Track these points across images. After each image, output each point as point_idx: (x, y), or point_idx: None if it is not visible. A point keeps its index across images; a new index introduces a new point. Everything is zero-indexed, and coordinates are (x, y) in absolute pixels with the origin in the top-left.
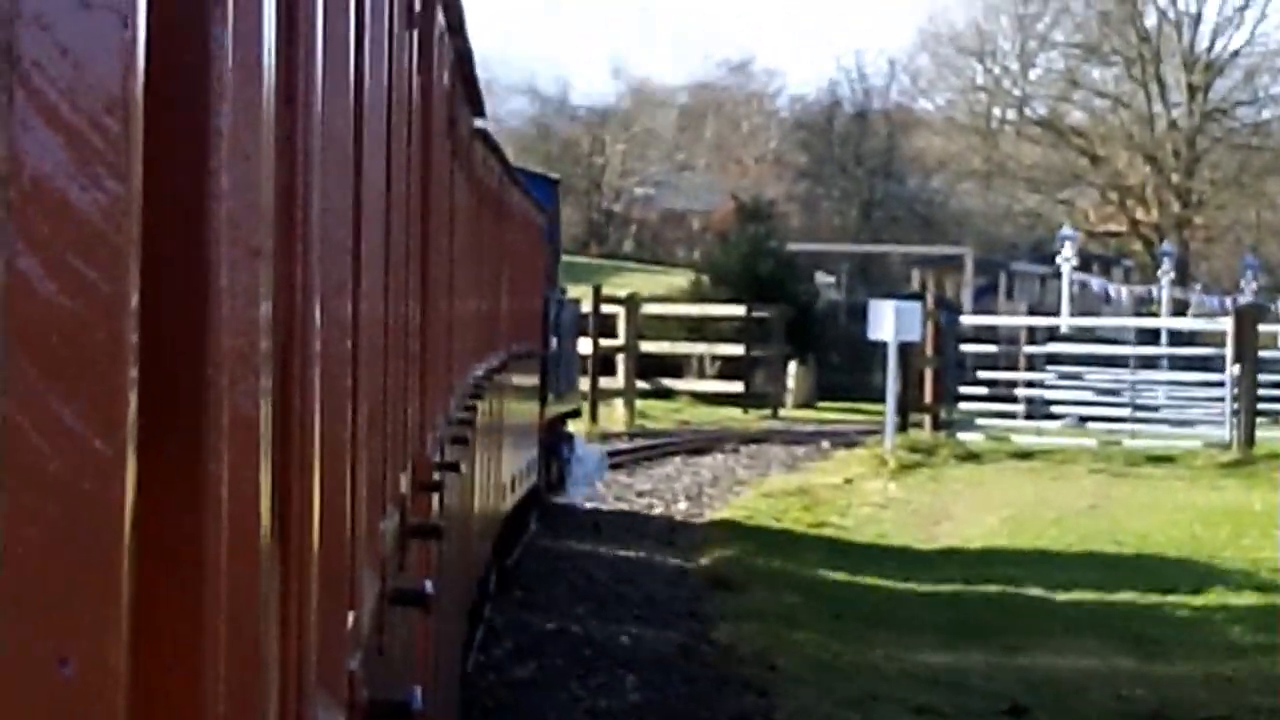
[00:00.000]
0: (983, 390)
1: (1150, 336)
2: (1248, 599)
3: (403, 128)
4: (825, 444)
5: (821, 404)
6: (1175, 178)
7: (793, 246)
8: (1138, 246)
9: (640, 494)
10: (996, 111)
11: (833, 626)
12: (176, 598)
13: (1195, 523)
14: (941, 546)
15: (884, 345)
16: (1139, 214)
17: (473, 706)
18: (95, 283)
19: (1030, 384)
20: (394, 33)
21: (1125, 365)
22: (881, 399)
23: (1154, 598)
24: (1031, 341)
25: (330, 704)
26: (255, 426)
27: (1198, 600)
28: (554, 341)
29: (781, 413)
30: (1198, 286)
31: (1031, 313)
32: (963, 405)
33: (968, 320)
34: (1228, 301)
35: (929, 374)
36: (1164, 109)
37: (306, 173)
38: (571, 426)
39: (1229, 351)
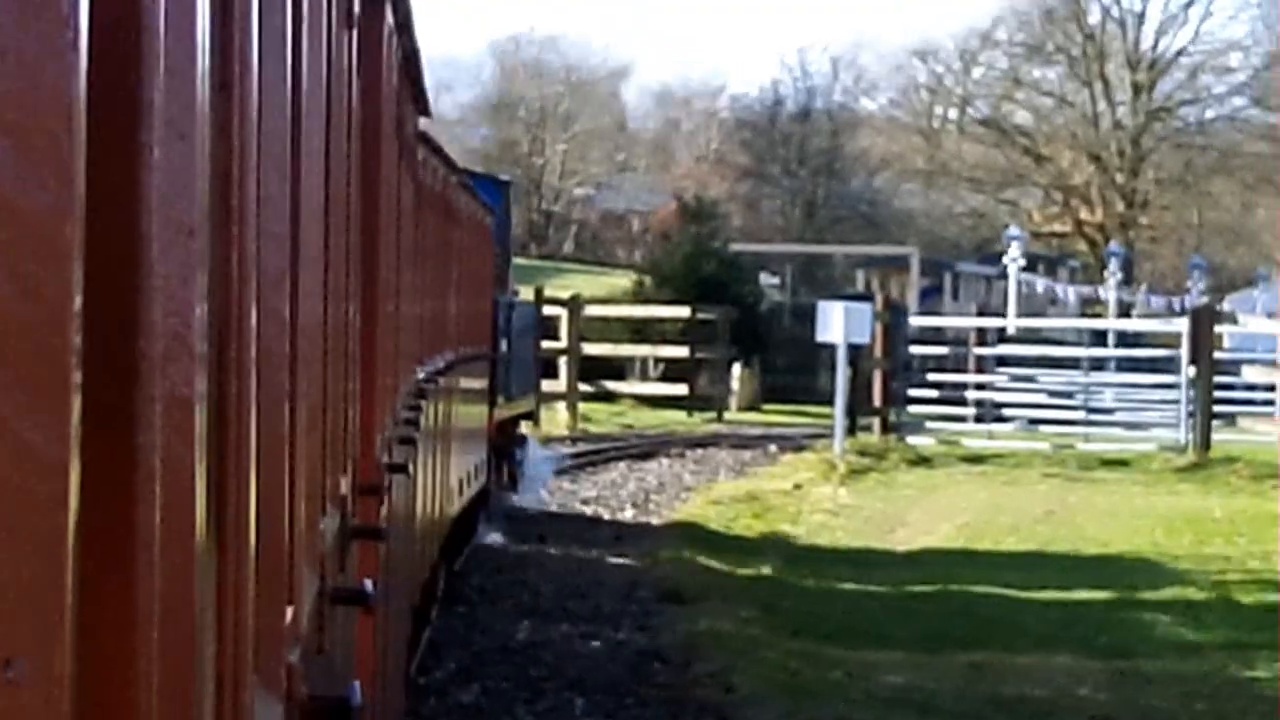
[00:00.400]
0: (932, 393)
1: (1099, 338)
2: (1217, 607)
3: (344, 126)
4: (773, 448)
5: (766, 406)
6: (1120, 177)
7: (736, 247)
8: (1082, 247)
9: (585, 501)
10: (940, 111)
11: (791, 643)
12: (114, 593)
13: (1156, 529)
14: (898, 554)
15: (830, 346)
16: (1083, 214)
17: None
18: (40, 285)
19: (980, 386)
20: (332, 31)
21: (1076, 367)
22: (827, 401)
23: (1123, 607)
24: (981, 343)
25: (269, 698)
26: (190, 410)
27: (1167, 609)
28: (504, 344)
29: (726, 416)
30: (1143, 287)
31: (980, 314)
32: (912, 408)
33: (916, 321)
34: (1174, 302)
35: (878, 376)
36: (1108, 108)
37: (242, 160)
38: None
39: (1184, 353)
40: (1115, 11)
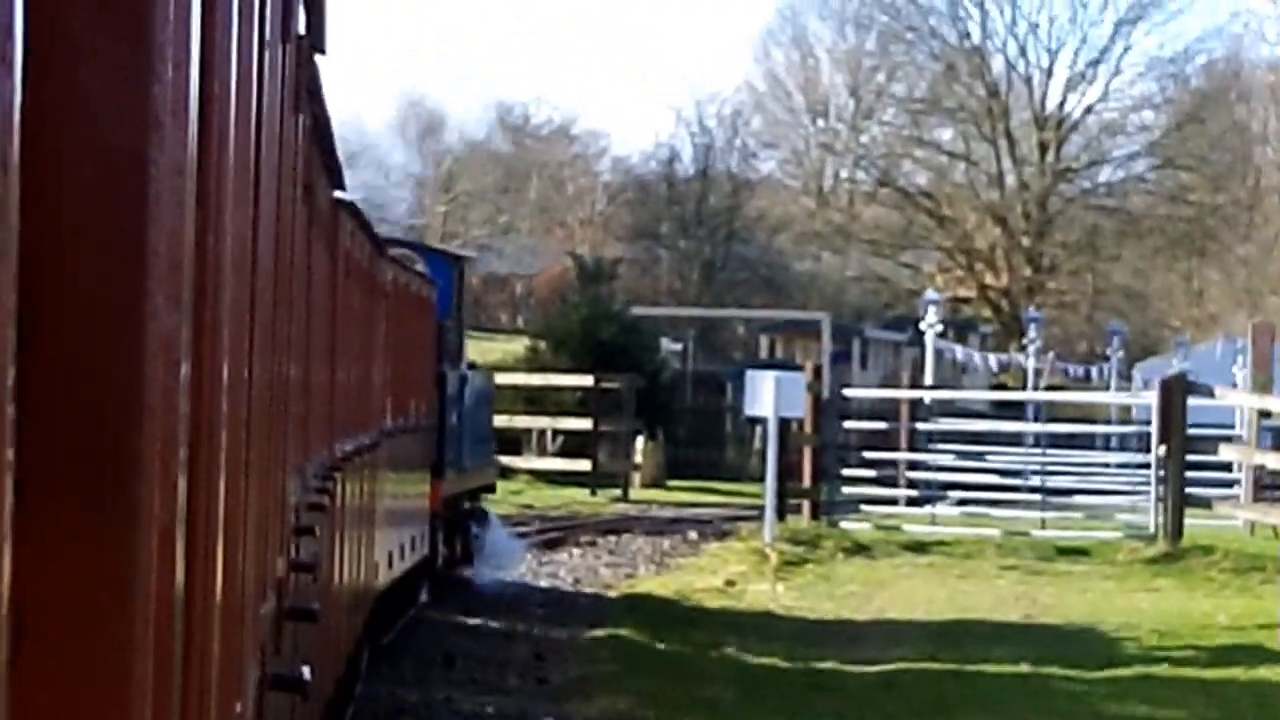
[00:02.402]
0: (868, 472)
1: (1019, 409)
2: None
3: (291, 203)
4: (693, 534)
5: (671, 483)
6: (1026, 241)
7: (637, 310)
8: (987, 312)
9: (493, 607)
10: (835, 171)
11: None
12: (104, 659)
13: (1165, 639)
14: (874, 672)
15: (737, 417)
16: (988, 278)
17: None
18: None
19: (917, 465)
20: (284, 115)
21: (1020, 443)
22: (734, 477)
23: None
24: (915, 417)
25: None
26: (174, 507)
27: None
28: (453, 417)
29: (631, 493)
30: (1050, 354)
31: (912, 385)
32: (844, 489)
33: (850, 393)
34: (1093, 371)
35: (807, 453)
36: (1014, 167)
37: (218, 239)
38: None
39: (1154, 429)
40: (1021, 67)
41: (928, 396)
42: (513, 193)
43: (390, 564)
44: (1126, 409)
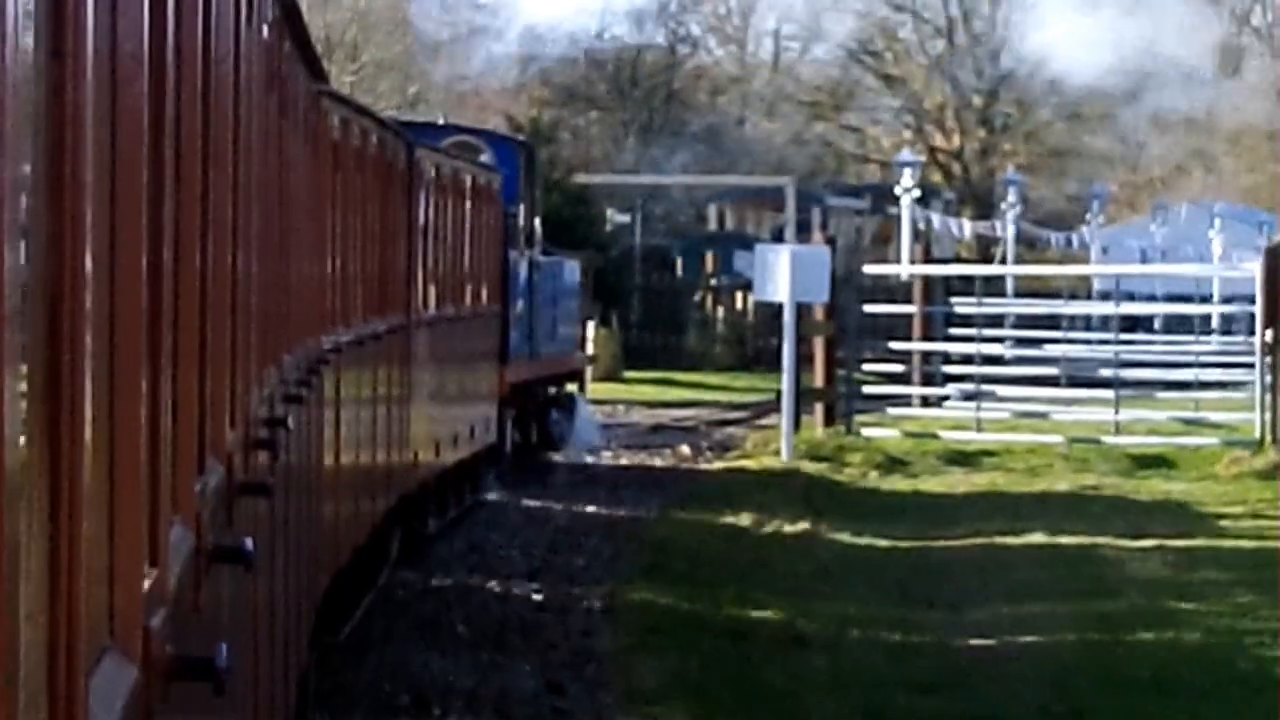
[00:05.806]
0: (892, 367)
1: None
2: None
3: (226, 85)
4: (684, 448)
5: (628, 374)
6: (978, 100)
7: (581, 178)
8: (937, 178)
9: (452, 590)
10: (767, 25)
11: None
12: None
13: None
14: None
15: (693, 296)
16: (938, 140)
17: None
18: None
19: (932, 357)
20: None
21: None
22: (696, 366)
23: None
24: (928, 298)
25: (122, 661)
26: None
27: None
28: (520, 303)
29: (587, 390)
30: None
31: (854, 256)
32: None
33: (873, 269)
34: (1073, 238)
35: (819, 345)
36: (962, 20)
37: (77, 92)
38: None
39: (1259, 310)
40: None
41: (976, 272)
42: (421, 64)
43: (437, 452)
44: (1083, 282)
